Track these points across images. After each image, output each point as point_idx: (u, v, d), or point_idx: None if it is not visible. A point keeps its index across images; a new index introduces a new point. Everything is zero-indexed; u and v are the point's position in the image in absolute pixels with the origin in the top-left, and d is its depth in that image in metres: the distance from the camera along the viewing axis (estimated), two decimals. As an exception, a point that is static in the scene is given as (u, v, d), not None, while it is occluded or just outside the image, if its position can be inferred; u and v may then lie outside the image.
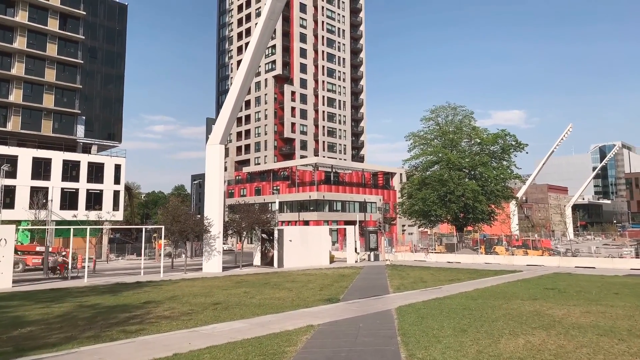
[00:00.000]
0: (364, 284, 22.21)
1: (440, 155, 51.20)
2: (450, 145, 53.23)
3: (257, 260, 37.98)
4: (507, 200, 57.68)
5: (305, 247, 37.48)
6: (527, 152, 53.16)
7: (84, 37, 56.58)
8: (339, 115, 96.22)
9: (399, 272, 29.31)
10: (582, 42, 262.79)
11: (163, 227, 30.67)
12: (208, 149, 34.49)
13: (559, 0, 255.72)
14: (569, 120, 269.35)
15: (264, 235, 37.31)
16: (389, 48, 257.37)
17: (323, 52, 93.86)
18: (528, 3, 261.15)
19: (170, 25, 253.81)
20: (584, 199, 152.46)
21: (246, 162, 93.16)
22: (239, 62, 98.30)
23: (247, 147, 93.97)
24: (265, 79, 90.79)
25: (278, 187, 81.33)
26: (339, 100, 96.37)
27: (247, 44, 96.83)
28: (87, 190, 52.24)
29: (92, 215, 50.50)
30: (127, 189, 68.34)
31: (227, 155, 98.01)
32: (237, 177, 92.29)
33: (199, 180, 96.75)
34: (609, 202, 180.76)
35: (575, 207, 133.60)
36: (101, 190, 53.28)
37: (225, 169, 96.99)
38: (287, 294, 17.54)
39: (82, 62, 56.39)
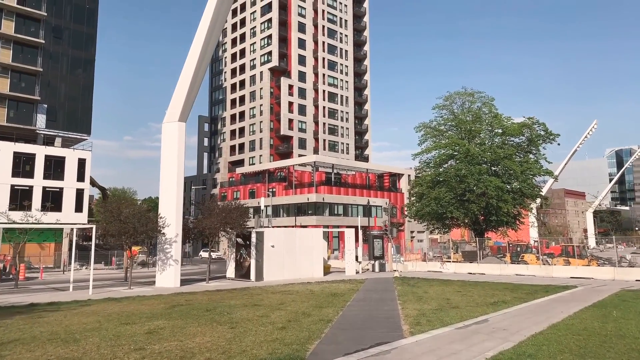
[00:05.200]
0: (360, 312, 14.28)
1: (456, 147, 43.29)
2: (468, 136, 45.36)
3: (230, 271, 30.16)
4: (534, 199, 49.61)
5: (292, 254, 29.66)
6: (558, 144, 45.05)
7: (46, 15, 49.40)
8: (341, 111, 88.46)
9: (412, 289, 21.38)
10: (586, 47, 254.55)
11: (94, 227, 22.95)
12: (164, 127, 26.88)
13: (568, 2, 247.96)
14: (577, 125, 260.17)
15: (239, 240, 29.51)
16: (394, 54, 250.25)
17: (324, 43, 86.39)
18: (535, 12, 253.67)
19: (162, 21, 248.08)
20: (601, 205, 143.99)
21: (240, 163, 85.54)
22: (232, 56, 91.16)
23: (242, 146, 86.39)
24: (261, 72, 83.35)
25: (274, 189, 73.68)
26: (341, 96, 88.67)
27: (242, 35, 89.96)
28: (44, 187, 44.67)
29: (49, 217, 42.94)
30: (101, 189, 60.86)
31: (220, 155, 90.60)
32: (230, 179, 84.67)
33: (191, 183, 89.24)
34: (627, 208, 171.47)
35: (595, 214, 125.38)
36: (61, 189, 45.69)
37: (218, 170, 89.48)
38: (214, 341, 9.66)
39: (44, 42, 49.15)
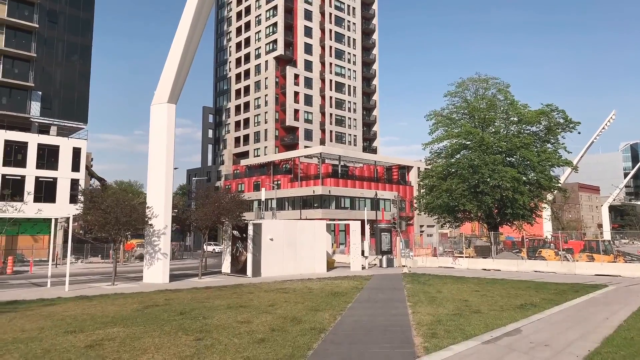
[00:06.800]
0: (362, 317, 11.97)
1: (470, 136, 40.71)
2: (482, 124, 42.74)
3: (226, 266, 28.01)
4: (552, 191, 46.90)
5: (293, 248, 27.45)
6: (579, 132, 42.15)
7: (41, -2, 47.46)
8: (349, 102, 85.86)
9: (424, 288, 19.04)
10: (596, 38, 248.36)
11: (70, 216, 20.89)
12: (153, 110, 24.68)
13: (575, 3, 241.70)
14: (589, 118, 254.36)
15: (235, 232, 27.33)
16: (403, 46, 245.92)
17: (331, 31, 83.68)
18: (546, 9, 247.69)
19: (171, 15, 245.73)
20: (614, 200, 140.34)
21: (245, 155, 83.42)
22: (237, 45, 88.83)
23: (246, 137, 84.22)
24: (266, 61, 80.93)
25: (279, 182, 71.49)
26: (349, 86, 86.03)
27: (247, 23, 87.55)
28: (37, 177, 42.86)
29: (43, 208, 41.22)
30: (100, 180, 59.05)
31: (224, 147, 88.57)
32: (235, 171, 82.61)
33: (195, 176, 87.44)
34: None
35: (610, 209, 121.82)
36: (55, 179, 43.86)
37: (222, 162, 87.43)
38: None
39: (38, 27, 47.21)
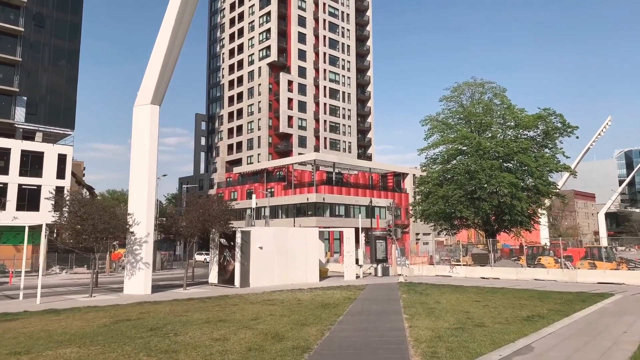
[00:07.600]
0: (353, 332, 10.75)
1: (466, 141, 39.84)
2: (479, 129, 41.93)
3: (213, 276, 26.68)
4: (550, 197, 46.05)
5: (284, 257, 26.20)
6: (577, 137, 41.31)
7: (26, 1, 46.27)
8: (343, 108, 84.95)
9: (421, 298, 17.84)
10: (586, 48, 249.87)
11: (44, 224, 19.59)
12: (135, 111, 23.48)
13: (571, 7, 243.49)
14: (583, 125, 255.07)
15: (222, 241, 26.05)
16: (398, 53, 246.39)
17: (325, 37, 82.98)
18: (541, 12, 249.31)
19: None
20: (611, 207, 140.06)
21: (238, 162, 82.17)
22: (230, 51, 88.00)
23: (239, 144, 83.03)
24: (259, 67, 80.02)
25: (272, 189, 70.28)
26: (343, 92, 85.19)
27: (240, 30, 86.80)
28: (20, 185, 41.42)
29: (26, 216, 39.74)
30: (89, 188, 57.55)
31: (217, 154, 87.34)
32: (227, 179, 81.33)
33: (187, 184, 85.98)
34: (638, 210, 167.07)
35: (606, 216, 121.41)
36: (39, 186, 42.41)
37: (215, 170, 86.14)
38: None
39: (24, 30, 46.02)
